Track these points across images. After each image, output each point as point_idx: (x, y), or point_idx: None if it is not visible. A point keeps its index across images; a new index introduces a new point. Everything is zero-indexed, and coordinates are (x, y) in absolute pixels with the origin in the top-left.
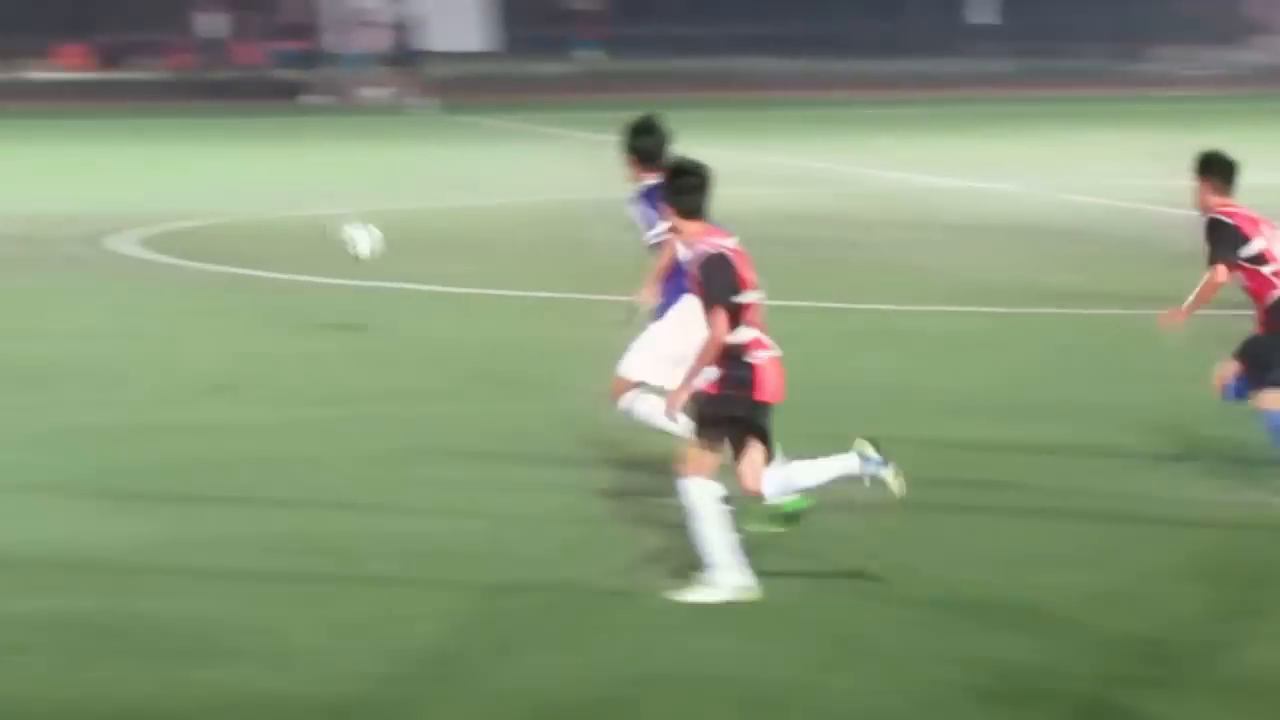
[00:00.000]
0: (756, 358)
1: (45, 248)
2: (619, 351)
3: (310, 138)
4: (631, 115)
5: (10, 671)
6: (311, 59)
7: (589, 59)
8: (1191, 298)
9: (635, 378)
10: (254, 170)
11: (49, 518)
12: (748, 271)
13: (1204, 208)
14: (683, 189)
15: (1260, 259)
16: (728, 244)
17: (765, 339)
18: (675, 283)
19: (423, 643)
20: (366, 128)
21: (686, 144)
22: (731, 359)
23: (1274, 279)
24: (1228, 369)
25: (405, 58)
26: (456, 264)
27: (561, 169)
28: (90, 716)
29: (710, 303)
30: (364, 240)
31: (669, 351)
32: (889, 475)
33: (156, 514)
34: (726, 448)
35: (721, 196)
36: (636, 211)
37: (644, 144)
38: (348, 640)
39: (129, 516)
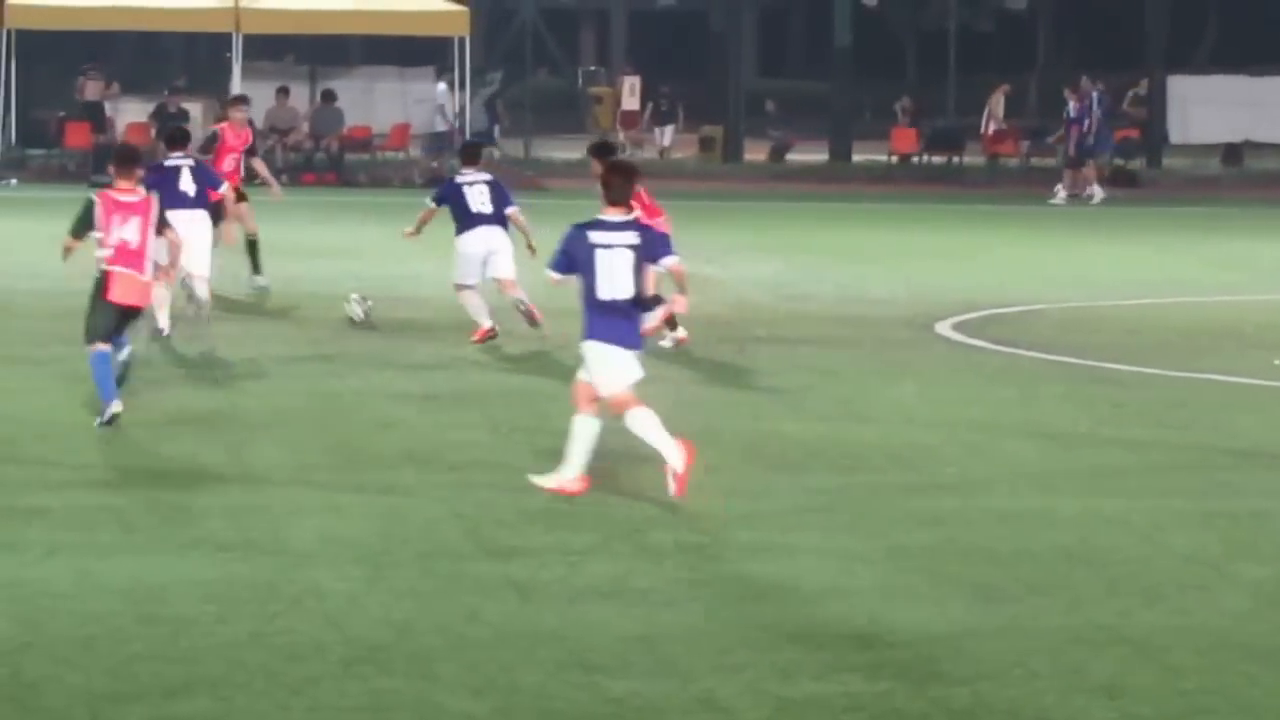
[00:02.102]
0: None
1: (874, 329)
2: None
3: (1140, 228)
4: None
5: None
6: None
7: None
8: None
9: None
10: (1068, 259)
11: (847, 601)
12: None
13: None
14: None
15: None
16: None
17: None
18: None
19: None
20: (1185, 218)
21: None
22: None
23: None
24: None
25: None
26: None
27: None
28: None
29: None
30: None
31: None
32: None
33: (953, 603)
34: None
35: None
36: None
37: None
38: None
39: (927, 601)
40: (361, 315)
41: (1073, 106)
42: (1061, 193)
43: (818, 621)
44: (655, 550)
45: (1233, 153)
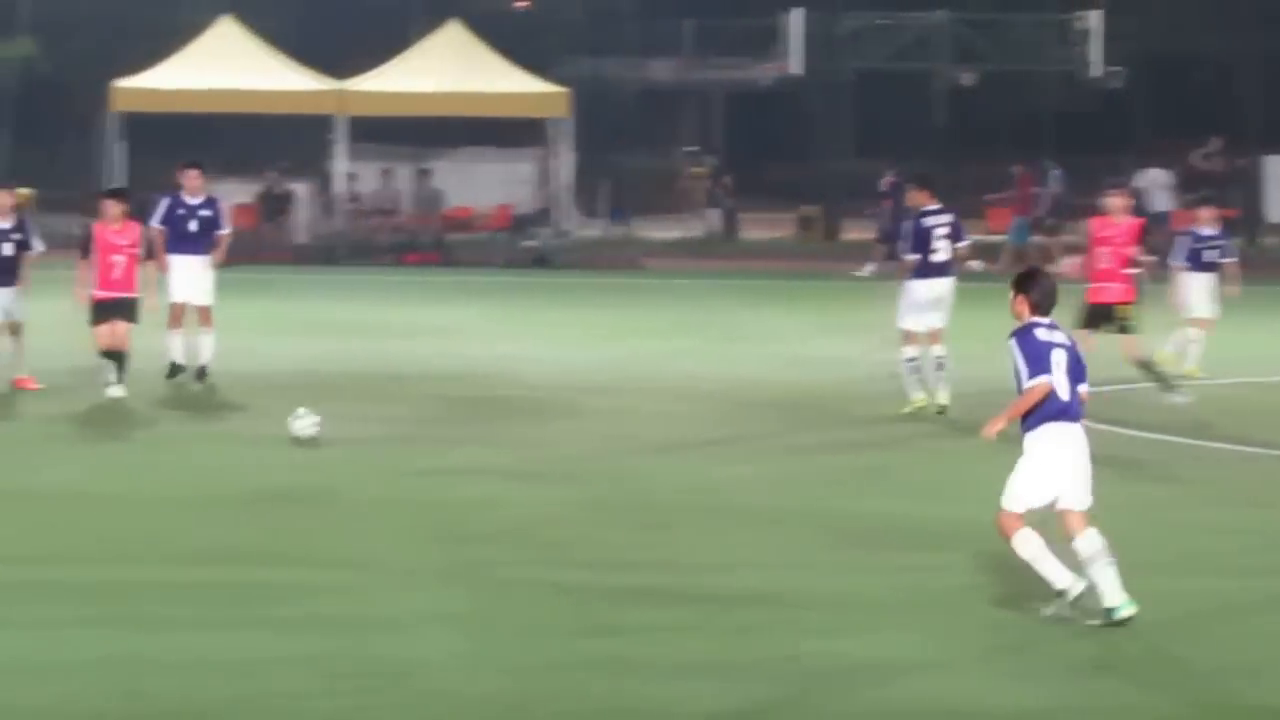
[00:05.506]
0: None
1: (965, 407)
2: None
3: (1237, 306)
4: None
5: None
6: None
7: None
8: None
9: None
10: (1161, 337)
11: (938, 678)
12: None
13: None
14: None
15: None
16: None
17: None
18: None
19: None
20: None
21: None
22: None
23: None
24: None
25: None
26: None
27: None
28: None
29: None
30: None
31: None
32: None
33: (1048, 679)
34: None
35: None
36: None
37: None
38: None
39: (1020, 678)
40: (310, 433)
41: (884, 183)
42: (869, 266)
43: (910, 697)
44: (751, 627)
45: None
